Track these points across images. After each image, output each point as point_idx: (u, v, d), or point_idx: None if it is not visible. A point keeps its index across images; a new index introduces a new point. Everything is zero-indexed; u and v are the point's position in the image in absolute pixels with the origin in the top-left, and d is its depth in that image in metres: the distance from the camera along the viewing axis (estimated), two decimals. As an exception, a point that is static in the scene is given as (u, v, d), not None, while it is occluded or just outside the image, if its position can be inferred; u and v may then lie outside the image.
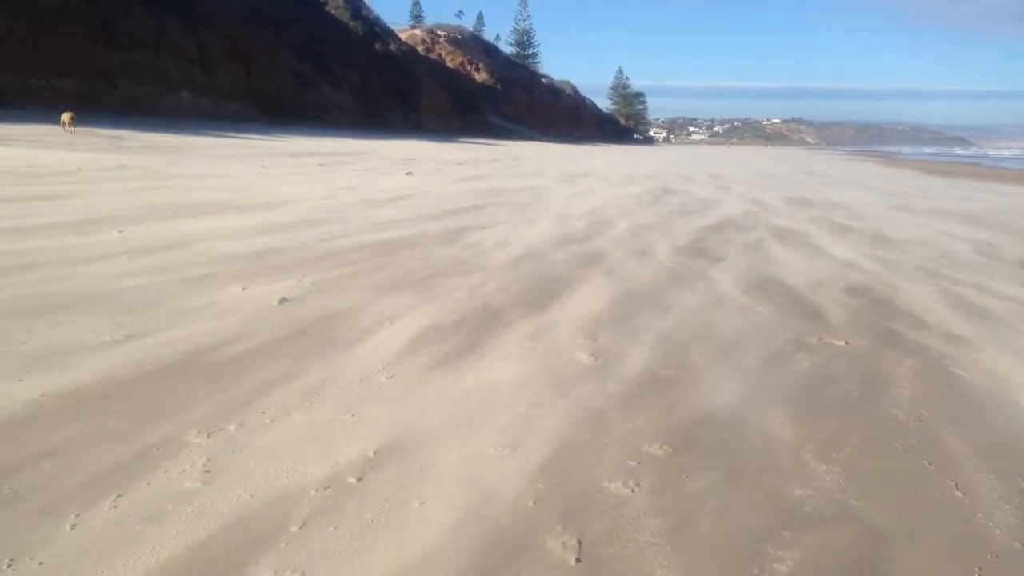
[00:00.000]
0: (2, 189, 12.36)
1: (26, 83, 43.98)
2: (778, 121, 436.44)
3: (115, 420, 3.92)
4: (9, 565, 2.67)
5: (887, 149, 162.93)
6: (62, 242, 8.32)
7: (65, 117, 30.37)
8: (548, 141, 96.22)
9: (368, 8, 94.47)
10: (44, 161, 17.55)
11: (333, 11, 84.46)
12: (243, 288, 6.83)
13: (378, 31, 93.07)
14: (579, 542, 3.02)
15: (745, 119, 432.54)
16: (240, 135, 39.81)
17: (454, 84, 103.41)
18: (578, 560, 2.91)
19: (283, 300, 6.50)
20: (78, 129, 29.85)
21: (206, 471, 3.42)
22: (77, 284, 6.58)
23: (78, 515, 3.00)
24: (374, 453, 3.70)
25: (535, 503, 3.30)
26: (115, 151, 22.65)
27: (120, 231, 9.25)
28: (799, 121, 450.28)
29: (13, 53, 43.40)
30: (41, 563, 2.69)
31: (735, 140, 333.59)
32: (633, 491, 3.47)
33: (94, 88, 48.19)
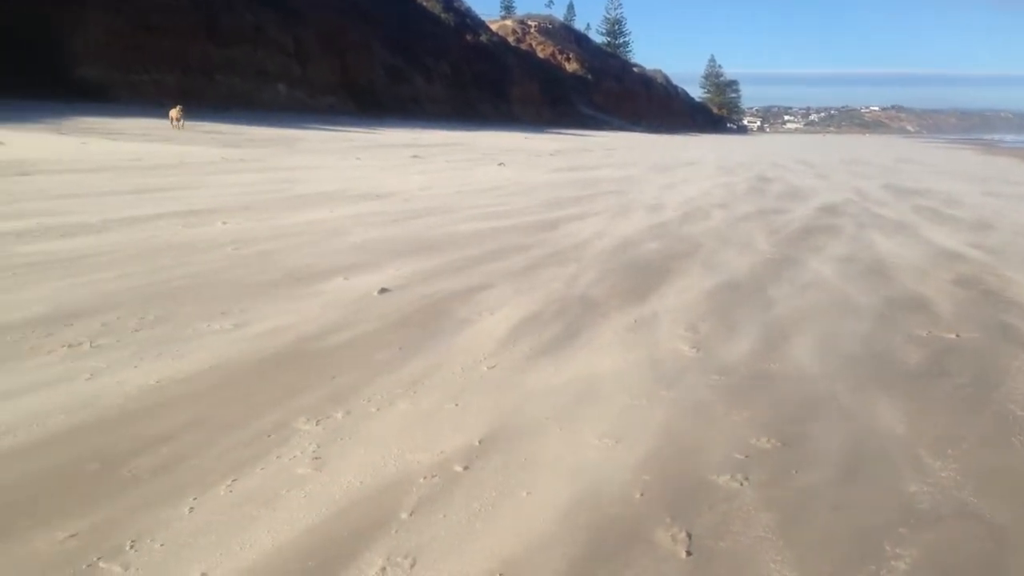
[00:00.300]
0: (112, 182, 12.78)
1: (129, 78, 45.27)
2: (877, 109, 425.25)
3: (227, 407, 4.02)
4: (131, 546, 2.75)
5: (989, 137, 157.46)
6: (170, 233, 8.57)
7: (173, 112, 30.19)
8: (639, 131, 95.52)
9: (460, 0, 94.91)
10: (149, 154, 18.11)
11: (425, 3, 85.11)
12: (345, 278, 6.94)
13: (469, 22, 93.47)
14: (688, 535, 2.99)
15: (842, 107, 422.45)
16: (334, 128, 40.43)
17: (545, 75, 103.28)
18: (688, 553, 2.88)
19: (383, 290, 6.58)
20: (185, 123, 30.09)
21: (316, 457, 3.49)
22: (186, 274, 6.77)
23: (196, 498, 3.08)
24: (479, 442, 3.73)
25: (642, 495, 3.28)
26: (215, 144, 23.23)
27: (224, 223, 9.48)
28: (899, 108, 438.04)
29: (118, 49, 44.72)
30: (162, 544, 2.77)
31: (831, 128, 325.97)
32: (742, 485, 3.42)
33: (195, 83, 49.39)
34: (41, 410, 3.83)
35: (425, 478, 3.34)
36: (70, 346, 4.78)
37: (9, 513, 2.92)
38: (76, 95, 37.76)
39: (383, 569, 2.68)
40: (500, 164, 23.32)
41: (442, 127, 54.00)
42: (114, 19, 45.08)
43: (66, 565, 2.62)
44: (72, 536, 2.79)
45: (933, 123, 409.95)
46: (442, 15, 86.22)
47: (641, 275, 7.79)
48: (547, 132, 65.64)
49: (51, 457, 3.37)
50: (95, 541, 2.77)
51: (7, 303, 5.59)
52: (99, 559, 2.67)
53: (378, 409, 4.10)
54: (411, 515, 3.04)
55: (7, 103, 30.62)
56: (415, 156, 24.67)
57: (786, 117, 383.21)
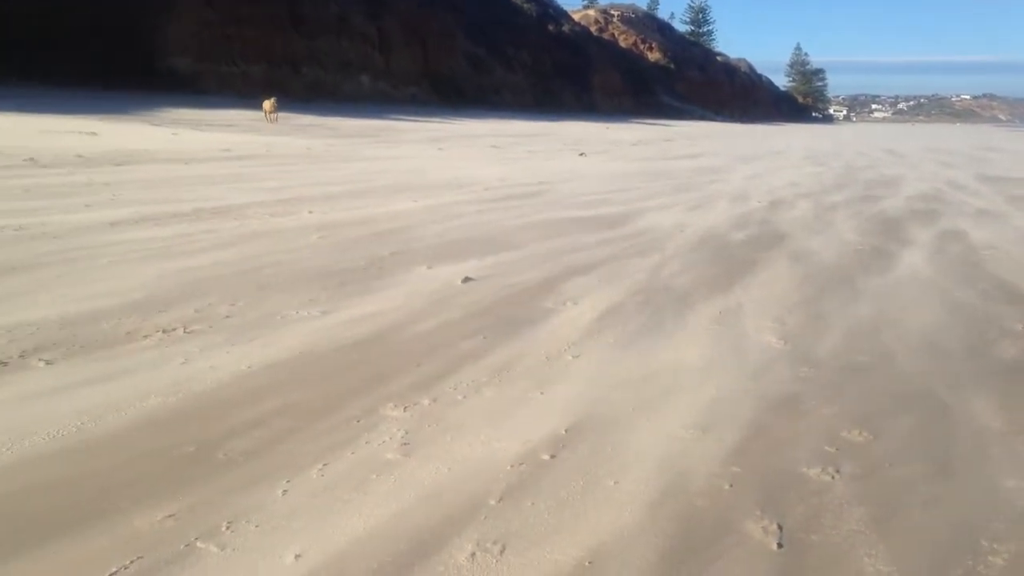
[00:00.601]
0: (202, 172, 13.08)
1: (218, 70, 46.25)
2: (967, 97, 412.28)
3: (316, 392, 4.08)
4: (228, 527, 2.82)
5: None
6: (259, 222, 8.74)
7: (267, 104, 29.43)
8: (722, 121, 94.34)
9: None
10: (237, 145, 18.48)
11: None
12: (428, 267, 7.00)
13: (551, 12, 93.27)
14: (779, 527, 2.95)
15: (931, 95, 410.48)
16: (416, 118, 40.79)
17: (627, 64, 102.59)
18: (780, 545, 2.84)
19: (467, 279, 6.61)
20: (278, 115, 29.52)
21: (404, 443, 3.52)
22: (274, 261, 6.89)
23: (289, 481, 3.14)
24: (566, 431, 3.73)
25: (731, 486, 3.25)
26: (301, 135, 23.60)
27: (310, 212, 9.64)
28: (991, 97, 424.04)
29: (207, 41, 45.72)
30: (257, 526, 2.83)
31: (921, 117, 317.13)
32: (833, 478, 3.36)
33: (281, 74, 50.23)
34: (138, 393, 3.94)
35: (512, 466, 3.35)
36: (164, 331, 4.90)
37: (110, 492, 3.00)
38: (166, 86, 38.76)
39: (472, 555, 2.70)
40: (580, 154, 23.25)
41: (523, 117, 54.06)
42: (204, 11, 46.07)
43: (165, 544, 2.69)
44: (170, 516, 2.86)
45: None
46: (524, 5, 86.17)
47: (726, 266, 7.71)
48: (628, 122, 65.27)
49: (148, 439, 3.46)
50: (193, 521, 2.84)
51: (103, 290, 5.75)
52: (197, 539, 2.73)
53: (464, 397, 4.13)
54: (499, 502, 3.05)
55: (99, 94, 31.56)
56: (495, 147, 24.73)
57: (873, 106, 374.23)
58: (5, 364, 4.23)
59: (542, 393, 4.22)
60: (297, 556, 2.65)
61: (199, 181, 11.89)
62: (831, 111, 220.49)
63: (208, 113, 29.45)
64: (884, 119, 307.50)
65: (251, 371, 4.33)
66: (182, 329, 4.95)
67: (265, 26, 50.09)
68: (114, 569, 2.53)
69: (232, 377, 4.23)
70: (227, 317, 5.25)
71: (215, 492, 3.04)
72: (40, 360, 4.31)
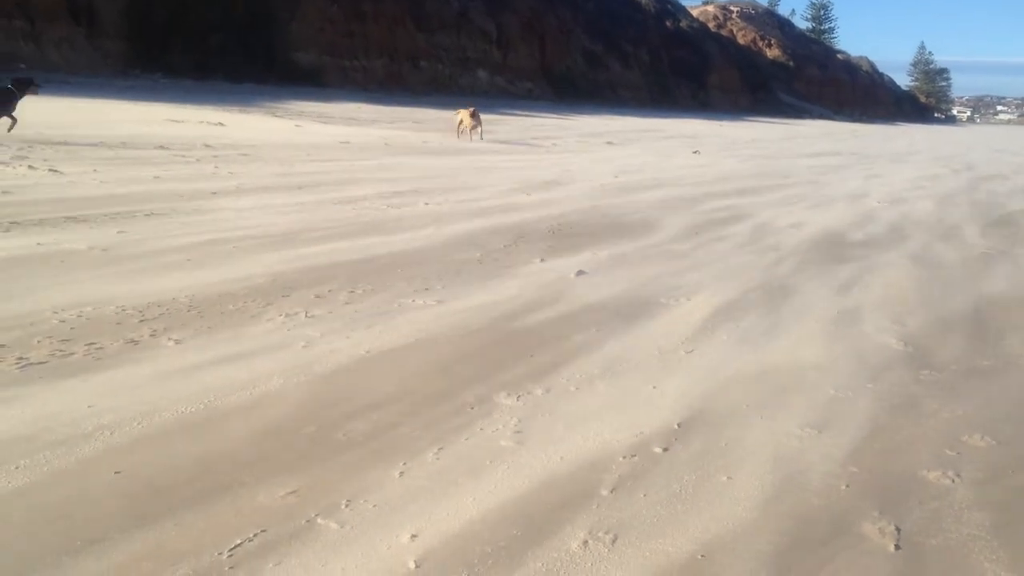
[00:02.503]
0: (324, 163, 13.40)
1: (340, 64, 47.22)
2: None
3: (431, 379, 4.16)
4: (347, 505, 2.89)
5: None
6: (377, 212, 8.92)
7: (464, 115, 21.98)
8: (842, 120, 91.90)
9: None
10: (356, 136, 18.87)
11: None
12: (542, 260, 7.04)
13: (670, 8, 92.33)
14: (897, 529, 2.89)
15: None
16: (532, 113, 40.88)
17: (744, 61, 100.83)
18: (897, 547, 2.79)
19: (580, 272, 6.63)
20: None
21: (517, 431, 3.57)
22: (391, 251, 7.03)
23: (405, 463, 3.21)
24: (678, 425, 3.72)
25: (848, 487, 3.19)
26: (418, 129, 23.96)
27: (426, 203, 9.78)
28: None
29: (330, 35, 46.75)
30: (375, 505, 2.90)
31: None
32: (953, 482, 3.28)
33: (401, 69, 51.02)
34: (262, 373, 4.07)
35: (625, 457, 3.36)
36: (287, 315, 5.05)
37: (235, 468, 3.11)
38: (290, 80, 39.76)
39: (585, 543, 2.72)
40: (695, 152, 23.00)
41: (637, 114, 53.65)
42: (328, 8, 47.08)
43: (287, 519, 2.78)
44: (292, 492, 2.95)
45: None
46: (644, 1, 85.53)
47: (843, 266, 7.55)
48: (744, 120, 64.20)
49: (272, 417, 3.58)
50: (313, 498, 2.92)
51: (229, 274, 5.95)
52: (317, 516, 2.81)
53: (577, 388, 4.15)
54: (612, 492, 3.06)
55: (225, 87, 32.59)
56: (610, 143, 24.66)
57: (999, 107, 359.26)
58: (136, 343, 4.41)
59: (655, 387, 4.21)
60: (413, 536, 2.71)
61: (320, 171, 12.18)
62: (954, 112, 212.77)
63: (330, 106, 30.09)
64: (1010, 121, 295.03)
65: (369, 356, 4.43)
66: (304, 313, 5.09)
67: (387, 22, 50.91)
68: (239, 541, 2.63)
69: (351, 361, 4.34)
70: (346, 303, 5.38)
71: (335, 471, 3.13)
72: (170, 339, 4.49)
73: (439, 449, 3.34)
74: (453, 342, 4.76)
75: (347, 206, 9.17)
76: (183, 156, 12.62)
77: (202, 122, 18.52)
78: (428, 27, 54.35)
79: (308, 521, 2.78)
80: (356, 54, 48.70)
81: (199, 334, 4.62)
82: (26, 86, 13.66)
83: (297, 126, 20.31)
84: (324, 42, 46.26)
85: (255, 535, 2.67)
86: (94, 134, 14.14)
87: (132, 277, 5.67)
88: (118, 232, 6.99)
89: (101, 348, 4.29)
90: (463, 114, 22.14)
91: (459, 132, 21.97)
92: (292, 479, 3.05)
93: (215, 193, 9.39)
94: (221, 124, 18.38)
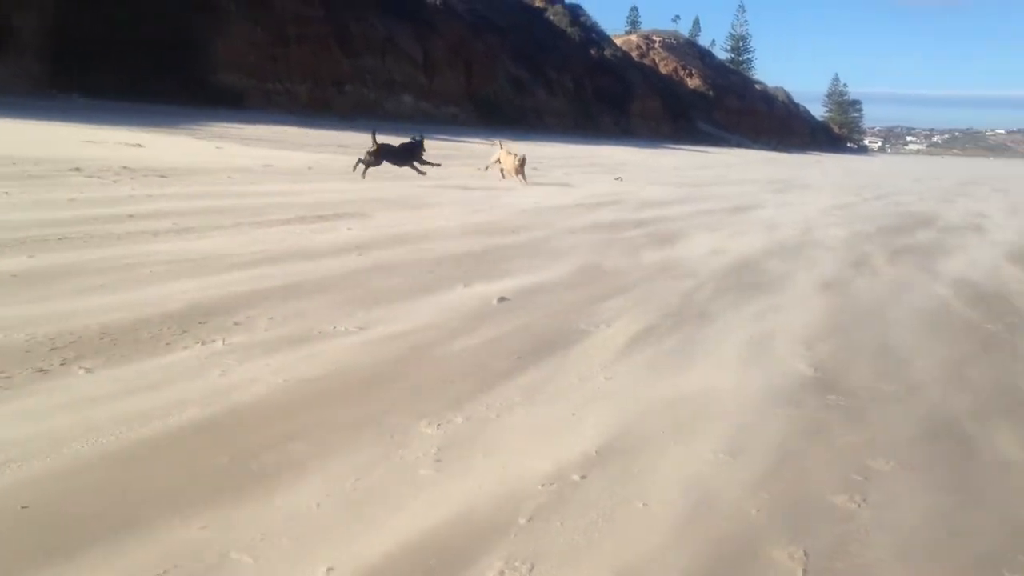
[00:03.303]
0: (245, 186, 13.25)
1: (264, 87, 46.86)
2: (1002, 132, 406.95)
3: (351, 407, 4.13)
4: (261, 538, 2.85)
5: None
6: (298, 237, 8.84)
7: (508, 162, 18.68)
8: (759, 149, 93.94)
9: (586, 15, 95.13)
10: (279, 160, 18.69)
11: (552, 17, 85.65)
12: (465, 286, 7.05)
13: (594, 37, 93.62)
14: (805, 554, 2.96)
15: (966, 129, 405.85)
16: (457, 138, 40.95)
17: (666, 90, 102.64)
18: (805, 572, 2.86)
19: (502, 299, 6.65)
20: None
21: (437, 460, 3.56)
22: (313, 278, 6.96)
23: (322, 494, 3.18)
24: (596, 452, 3.75)
25: (758, 511, 3.26)
26: (343, 153, 23.80)
27: (349, 229, 9.73)
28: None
29: (255, 58, 46.37)
30: (290, 538, 2.86)
31: (955, 151, 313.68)
32: (859, 505, 3.38)
33: (325, 93, 50.77)
34: (176, 403, 3.99)
35: (543, 485, 3.38)
36: (203, 343, 4.97)
37: (146, 501, 3.04)
38: (212, 102, 39.28)
39: (501, 573, 2.72)
40: (617, 178, 23.27)
41: (561, 140, 54.13)
42: (252, 30, 46.72)
43: (199, 554, 2.72)
44: (205, 526, 2.90)
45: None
46: (568, 29, 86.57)
47: (758, 292, 7.72)
48: (665, 147, 65.23)
49: (185, 449, 3.51)
50: (226, 532, 2.87)
51: (144, 299, 5.83)
52: (230, 550, 2.76)
53: (497, 416, 4.16)
54: (529, 521, 3.08)
55: (145, 108, 32.03)
56: (535, 168, 24.82)
57: (908, 138, 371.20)
58: (46, 372, 4.30)
59: (574, 414, 4.25)
60: (329, 569, 2.69)
61: (241, 194, 12.03)
62: (866, 142, 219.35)
63: (253, 128, 29.74)
64: (919, 151, 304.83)
65: (287, 385, 4.38)
66: (221, 341, 5.02)
67: (312, 45, 50.69)
68: (149, 577, 2.58)
69: (269, 390, 4.29)
70: (266, 330, 5.32)
71: (250, 503, 3.08)
72: (80, 368, 4.38)
73: (357, 480, 3.32)
74: (373, 369, 4.74)
75: (268, 230, 9.08)
76: (99, 178, 12.34)
77: (121, 143, 18.14)
78: (353, 51, 54.23)
79: (221, 555, 2.73)
80: (280, 77, 48.38)
81: (112, 363, 4.51)
82: None
83: (219, 148, 20.04)
84: (248, 65, 45.86)
85: (165, 572, 2.61)
86: (5, 155, 13.78)
87: (42, 304, 5.52)
88: (28, 257, 6.81)
89: (9, 378, 4.16)
90: (505, 159, 18.85)
91: (501, 173, 18.91)
92: (205, 512, 2.99)
93: (131, 216, 9.20)
94: (140, 145, 18.04)
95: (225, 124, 29.50)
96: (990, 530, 3.26)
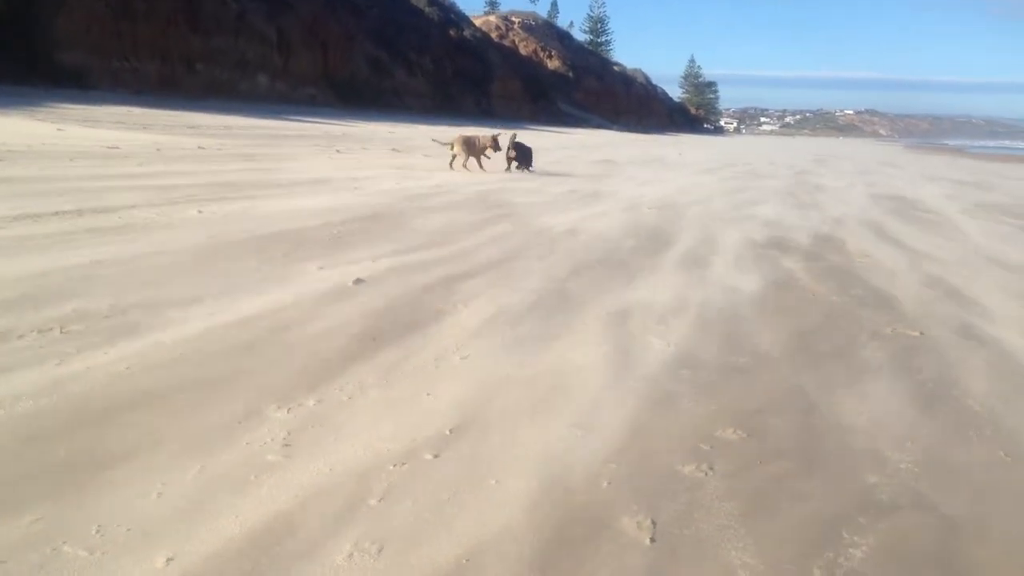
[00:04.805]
0: (87, 169, 12.68)
1: (109, 65, 44.84)
2: (851, 112, 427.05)
3: (198, 393, 4.01)
4: (97, 531, 2.74)
5: (952, 143, 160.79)
6: (145, 220, 8.51)
7: (481, 138, 18.32)
8: (617, 130, 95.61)
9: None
10: (126, 142, 17.97)
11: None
12: (320, 268, 6.92)
13: (453, 17, 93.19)
14: (653, 523, 3.03)
15: (817, 110, 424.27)
16: (315, 120, 40.30)
17: (526, 71, 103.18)
18: (652, 540, 2.92)
19: (358, 280, 6.57)
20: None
21: (286, 444, 3.49)
22: (159, 262, 6.71)
23: (164, 483, 3.07)
24: (450, 431, 3.74)
25: (609, 483, 3.32)
26: (193, 135, 23.09)
27: (199, 211, 9.43)
28: (872, 113, 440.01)
29: (98, 35, 44.30)
30: (128, 529, 2.76)
31: (806, 131, 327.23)
32: (707, 474, 3.47)
33: (175, 72, 49.06)
34: (9, 394, 3.79)
35: (395, 466, 3.35)
36: (40, 331, 4.73)
37: (-26, 495, 2.90)
38: (53, 81, 37.43)
39: (350, 555, 2.69)
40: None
41: (423, 121, 53.87)
42: (95, 5, 44.65)
43: (31, 549, 2.61)
44: (37, 520, 2.77)
45: (906, 127, 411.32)
46: (426, 9, 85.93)
47: (615, 270, 7.83)
48: (526, 128, 65.60)
49: (18, 442, 3.34)
50: (60, 525, 2.76)
51: (-23, 287, 5.53)
52: (64, 543, 2.65)
53: (350, 398, 4.10)
54: (380, 502, 3.04)
55: (-20, 88, 30.33)
56: (395, 150, 24.64)
57: (762, 119, 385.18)
58: None
59: (428, 394, 4.23)
60: (169, 559, 2.60)
61: (84, 177, 11.50)
62: (723, 123, 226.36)
63: (98, 109, 28.51)
64: (772, 131, 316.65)
65: (130, 372, 4.22)
66: (58, 329, 4.79)
67: (159, 23, 48.80)
68: (-25, 575, 2.45)
69: (109, 378, 4.12)
70: (107, 317, 5.10)
71: (87, 495, 2.96)
72: (-96, 360, 4.13)
73: (201, 467, 3.22)
74: (223, 354, 4.60)
75: (112, 215, 8.70)
76: (-72, 161, 11.64)
77: (-49, 125, 17.16)
78: (204, 29, 52.51)
79: (54, 549, 2.62)
80: (126, 55, 46.41)
81: (-63, 354, 4.26)
82: None
83: (59, 130, 19.10)
84: (91, 42, 43.78)
85: (-7, 569, 2.48)
86: None
87: None
88: None
89: None
90: (480, 138, 18.27)
91: (470, 161, 17.96)
92: (39, 506, 2.86)
93: (-37, 201, 8.70)
94: (-29, 127, 17.06)
95: (67, 104, 28.19)
96: (830, 493, 3.40)
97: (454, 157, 17.99)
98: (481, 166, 18.06)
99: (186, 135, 22.28)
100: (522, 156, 19.14)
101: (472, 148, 18.13)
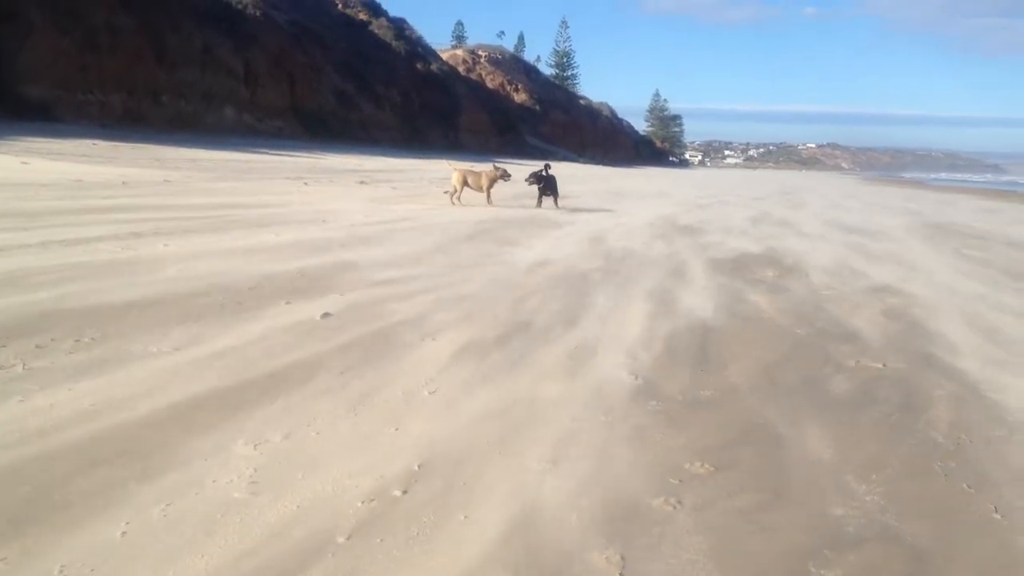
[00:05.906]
0: (53, 203, 12.57)
1: (74, 98, 44.50)
2: (813, 146, 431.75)
3: (164, 430, 3.97)
4: (61, 571, 2.71)
5: (911, 176, 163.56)
6: (110, 255, 8.44)
7: (474, 180, 18.72)
8: (584, 163, 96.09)
9: (411, 28, 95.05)
10: (91, 175, 17.84)
11: (377, 31, 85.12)
12: (287, 303, 6.89)
13: (420, 51, 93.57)
14: (622, 558, 3.03)
15: (780, 143, 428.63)
16: (282, 152, 40.21)
17: (493, 104, 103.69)
18: (621, 575, 2.92)
19: (326, 315, 6.54)
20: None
21: (253, 481, 3.46)
22: (126, 296, 6.64)
23: (128, 523, 3.04)
24: (418, 467, 3.73)
25: (578, 518, 3.31)
26: (159, 167, 22.97)
27: (166, 245, 9.37)
28: (835, 146, 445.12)
29: (62, 68, 43.97)
30: (92, 569, 2.73)
31: (770, 164, 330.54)
32: (675, 508, 3.48)
33: (141, 105, 48.80)
34: (-29, 432, 3.75)
35: (363, 502, 3.33)
36: (2, 368, 4.68)
37: (-65, 536, 2.85)
38: (18, 114, 37.10)
39: (318, 593, 2.67)
40: (446, 192, 23.33)
41: (390, 154, 53.91)
42: (61, 39, 44.39)
43: (-8, 589, 2.57)
44: (1, 560, 2.73)
45: (867, 160, 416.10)
46: (393, 43, 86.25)
47: (582, 302, 7.84)
48: (492, 161, 65.86)
49: (-20, 480, 3.30)
50: (23, 566, 2.73)
51: (-62, 323, 5.45)
52: (26, 583, 2.62)
53: (318, 433, 4.08)
54: (348, 539, 3.03)
55: (-57, 121, 30.01)
56: (362, 182, 24.64)
57: (726, 152, 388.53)
58: None
59: (396, 429, 4.22)
60: (134, 599, 2.57)
61: (48, 211, 11.41)
62: (687, 156, 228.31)
63: (63, 143, 28.24)
64: (736, 164, 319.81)
65: (95, 409, 4.17)
66: (21, 365, 4.74)
67: (125, 56, 48.51)
68: (-66, 619, 2.40)
69: (74, 415, 4.07)
70: (71, 353, 5.05)
71: (50, 535, 2.93)
72: None
73: (167, 505, 3.19)
74: (189, 391, 4.56)
75: (77, 248, 8.63)
76: None
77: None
78: (170, 62, 52.29)
79: (16, 591, 2.57)
80: (92, 87, 46.09)
81: (-102, 392, 4.19)
82: None
83: (24, 163, 18.94)
84: (56, 75, 43.42)
85: (-48, 612, 2.44)
86: None
87: None
88: None
89: None
90: (473, 178, 18.72)
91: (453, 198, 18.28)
92: (2, 546, 2.82)
93: (-76, 236, 8.60)
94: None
95: (32, 138, 27.89)
96: (797, 526, 3.42)
97: (455, 191, 18.48)
98: (490, 200, 18.38)
99: (152, 168, 22.17)
100: (550, 189, 19.08)
101: (475, 181, 18.69)
